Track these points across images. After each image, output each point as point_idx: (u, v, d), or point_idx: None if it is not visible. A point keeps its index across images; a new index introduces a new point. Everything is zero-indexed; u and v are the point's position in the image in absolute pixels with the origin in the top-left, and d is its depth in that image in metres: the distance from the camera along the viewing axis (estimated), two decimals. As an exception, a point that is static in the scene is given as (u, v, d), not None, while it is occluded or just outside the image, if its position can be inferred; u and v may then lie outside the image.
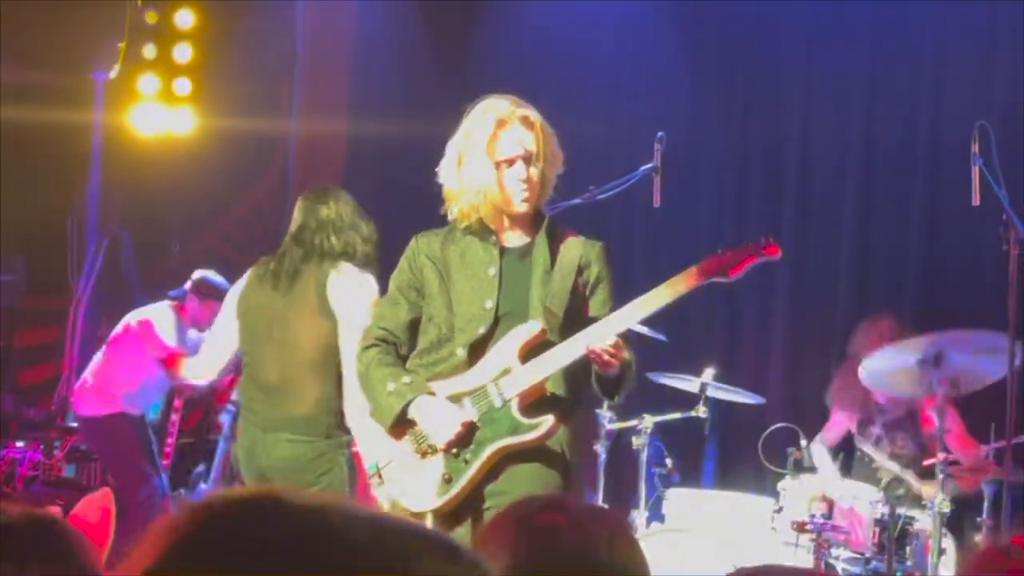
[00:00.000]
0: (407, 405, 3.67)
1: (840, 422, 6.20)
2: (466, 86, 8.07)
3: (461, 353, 3.70)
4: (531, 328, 3.68)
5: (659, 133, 4.83)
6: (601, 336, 3.57)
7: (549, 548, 1.73)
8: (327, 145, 8.44)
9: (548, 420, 3.64)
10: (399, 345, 3.84)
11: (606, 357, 3.53)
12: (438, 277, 3.77)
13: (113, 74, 7.90)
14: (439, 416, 3.67)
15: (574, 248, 3.78)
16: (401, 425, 3.71)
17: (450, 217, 3.81)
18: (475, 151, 3.67)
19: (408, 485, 3.73)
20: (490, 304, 3.71)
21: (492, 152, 3.65)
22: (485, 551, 1.72)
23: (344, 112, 8.39)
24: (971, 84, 6.95)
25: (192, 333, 6.57)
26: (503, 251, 3.77)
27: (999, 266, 4.93)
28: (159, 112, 8.00)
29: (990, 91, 6.91)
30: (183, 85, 7.99)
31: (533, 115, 3.70)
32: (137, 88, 7.96)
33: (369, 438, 4.16)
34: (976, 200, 4.62)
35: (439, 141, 3.85)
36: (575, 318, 3.73)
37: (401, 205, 6.93)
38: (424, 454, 3.70)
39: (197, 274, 6.68)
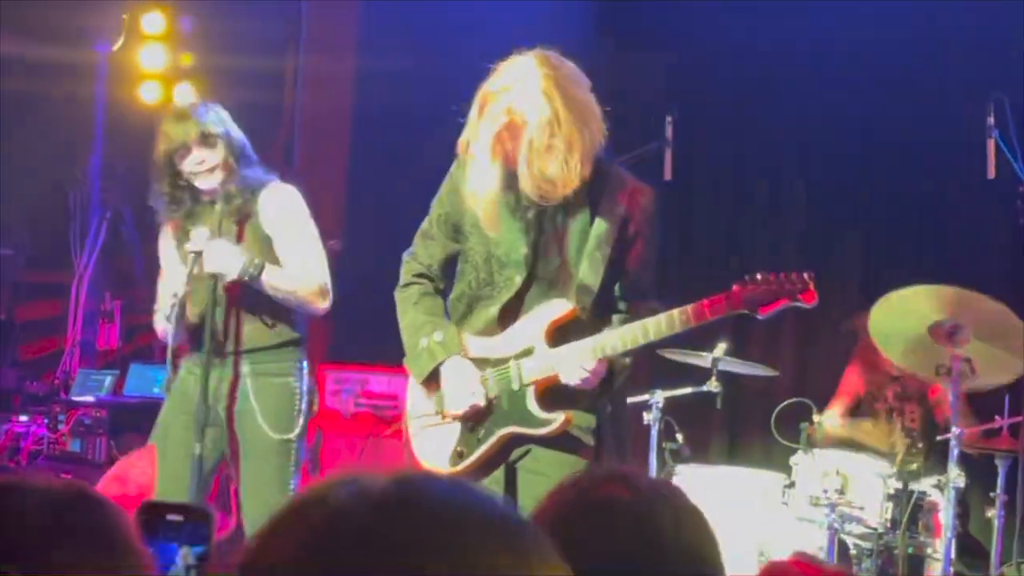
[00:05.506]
0: (439, 366, 3.62)
1: (852, 383, 6.08)
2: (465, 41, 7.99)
3: (493, 311, 3.60)
4: (562, 307, 3.53)
5: (671, 106, 4.78)
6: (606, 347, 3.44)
7: (608, 524, 1.60)
8: (331, 118, 8.36)
9: (558, 418, 3.49)
10: (436, 280, 3.74)
11: (591, 380, 3.45)
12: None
13: (116, 47, 7.82)
14: (459, 387, 3.60)
15: (620, 201, 3.52)
16: (432, 382, 3.66)
17: None
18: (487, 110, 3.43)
19: (426, 445, 3.71)
20: (524, 251, 3.53)
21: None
22: (539, 526, 1.65)
23: (349, 87, 8.30)
24: (986, 56, 6.86)
25: None
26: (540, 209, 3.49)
27: (1015, 241, 4.88)
28: (162, 85, 7.91)
29: (1006, 63, 6.83)
30: (187, 58, 7.91)
31: (544, 112, 3.29)
32: (140, 61, 7.89)
33: None
34: (991, 173, 4.56)
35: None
36: (611, 290, 3.58)
37: (409, 185, 6.86)
38: (444, 417, 3.67)
39: None
